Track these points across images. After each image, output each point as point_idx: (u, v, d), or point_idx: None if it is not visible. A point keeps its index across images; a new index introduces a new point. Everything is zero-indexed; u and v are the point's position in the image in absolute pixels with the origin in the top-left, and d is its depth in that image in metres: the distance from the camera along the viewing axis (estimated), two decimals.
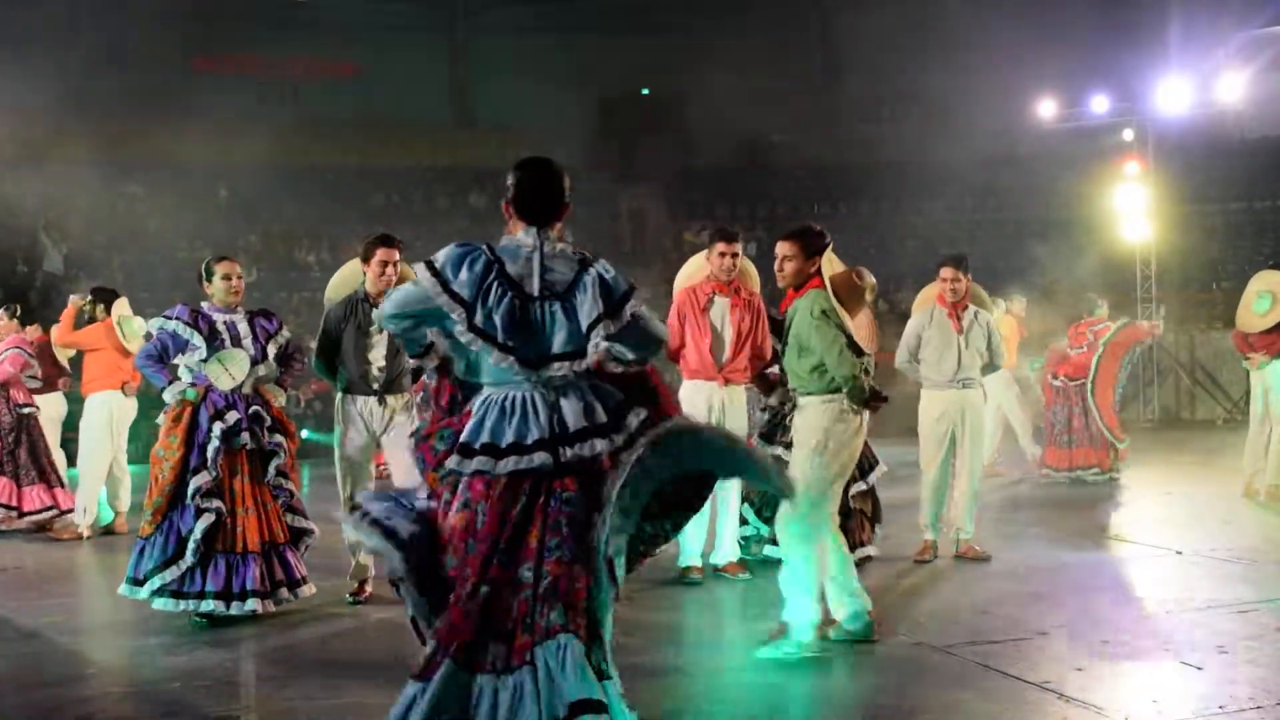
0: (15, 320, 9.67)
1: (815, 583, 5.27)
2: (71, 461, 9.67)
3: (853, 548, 6.11)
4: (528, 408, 3.40)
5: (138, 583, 5.87)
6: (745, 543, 7.06)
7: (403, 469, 5.80)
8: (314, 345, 6.56)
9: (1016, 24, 22.19)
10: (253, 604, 5.85)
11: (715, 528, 6.84)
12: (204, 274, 6.23)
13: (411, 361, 3.61)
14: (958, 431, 7.34)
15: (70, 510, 9.22)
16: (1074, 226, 21.22)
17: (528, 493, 3.34)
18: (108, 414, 8.90)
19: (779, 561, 5.57)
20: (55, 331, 9.63)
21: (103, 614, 6.48)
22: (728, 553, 6.91)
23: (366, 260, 6.39)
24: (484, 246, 3.48)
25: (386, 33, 26.38)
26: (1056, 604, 6.08)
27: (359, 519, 3.39)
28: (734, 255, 6.81)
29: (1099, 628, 5.59)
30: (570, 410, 3.40)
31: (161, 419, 6.09)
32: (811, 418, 5.35)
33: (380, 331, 6.21)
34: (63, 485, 9.40)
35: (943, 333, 7.41)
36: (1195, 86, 19.14)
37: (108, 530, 9.14)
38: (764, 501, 6.86)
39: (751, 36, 26.16)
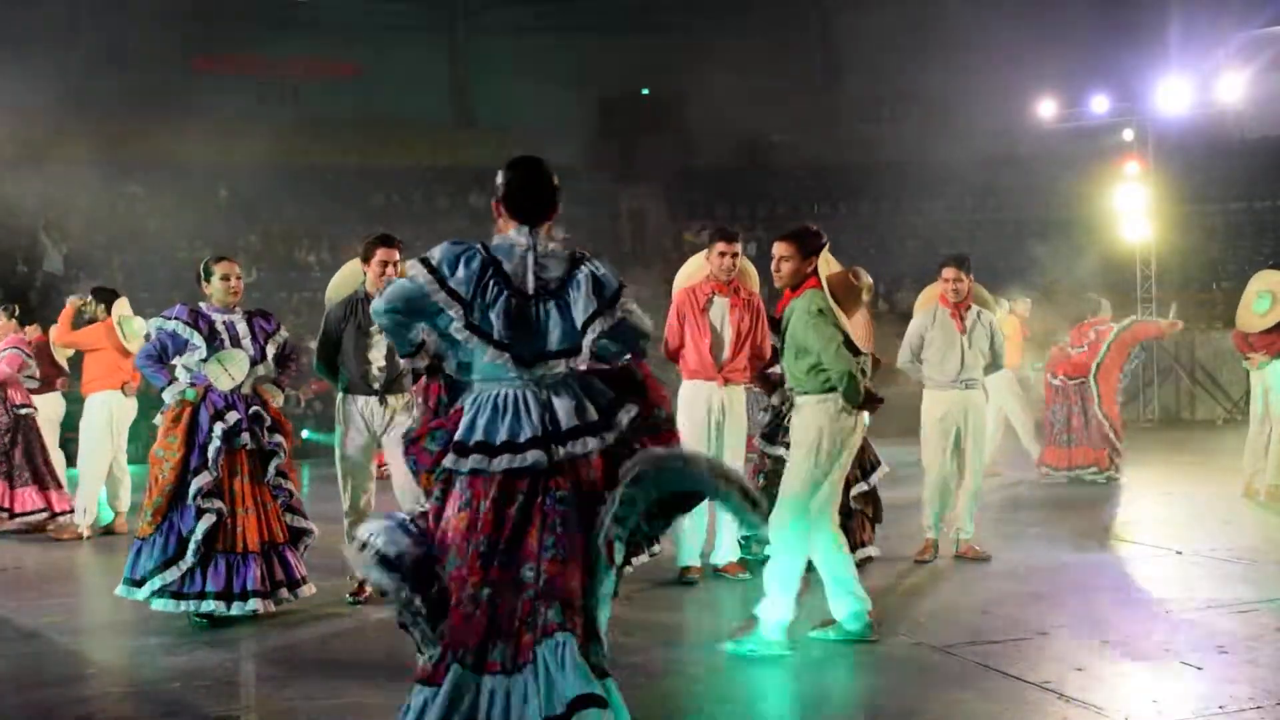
0: (14, 320, 9.66)
1: (797, 583, 5.28)
2: (71, 461, 9.66)
3: (853, 548, 6.11)
4: (520, 406, 3.41)
5: (135, 583, 5.87)
6: (745, 543, 7.06)
7: (403, 469, 5.80)
8: (315, 345, 6.57)
9: (1016, 24, 22.18)
10: (254, 604, 5.85)
11: (715, 528, 6.84)
12: (202, 274, 6.22)
13: (403, 361, 3.61)
14: (960, 431, 7.35)
15: (64, 512, 9.21)
16: (1074, 226, 21.22)
17: (525, 492, 3.34)
18: (108, 414, 8.89)
19: None
20: (54, 332, 9.63)
21: (103, 614, 6.47)
22: (728, 553, 6.91)
23: (367, 260, 6.39)
24: (479, 245, 3.49)
25: (386, 33, 26.37)
26: (1056, 604, 6.08)
27: (362, 554, 3.38)
28: (734, 255, 6.81)
29: (1099, 628, 5.59)
30: (562, 408, 3.41)
31: (159, 419, 6.08)
32: (808, 417, 5.36)
33: (381, 331, 6.20)
34: (59, 487, 9.37)
35: (946, 333, 7.41)
36: (1195, 86, 19.14)
37: (108, 530, 9.14)
38: (765, 501, 6.85)
39: (751, 36, 26.14)
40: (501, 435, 3.37)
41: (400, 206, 24.10)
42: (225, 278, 6.17)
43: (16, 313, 9.82)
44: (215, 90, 23.19)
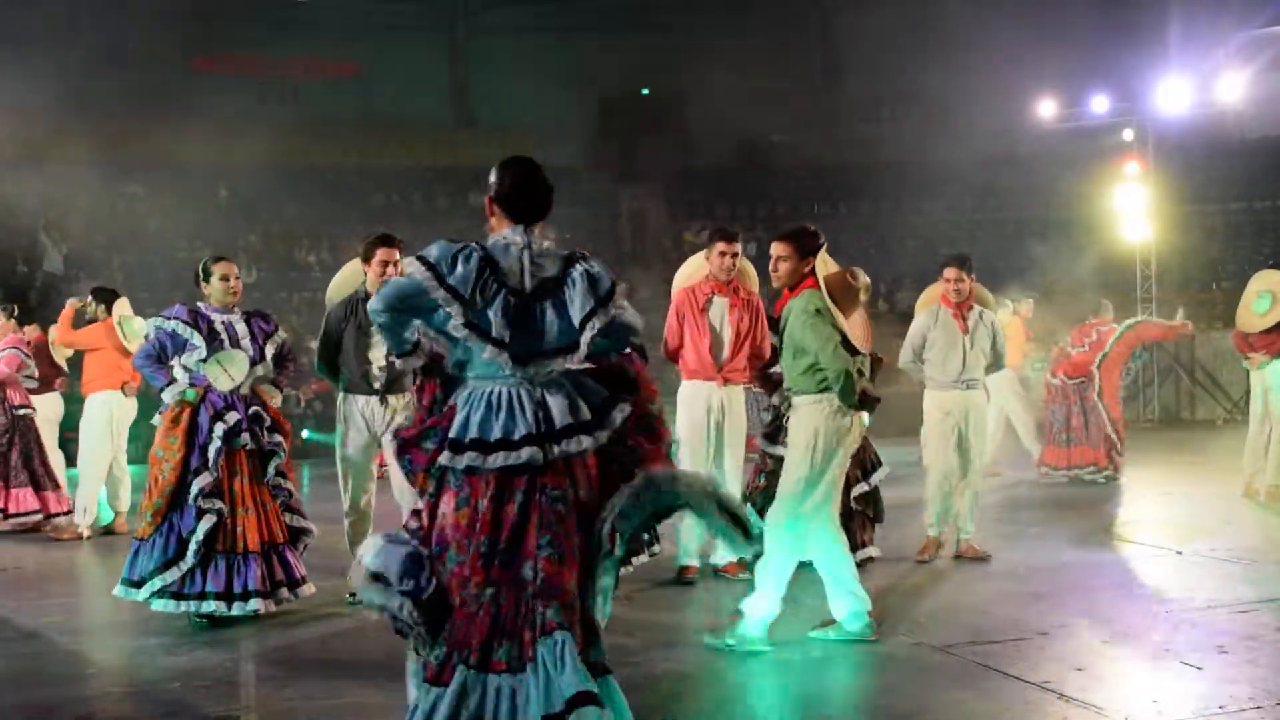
0: (13, 320, 9.66)
1: (786, 582, 5.30)
2: (71, 461, 9.66)
3: (854, 548, 6.10)
4: (514, 403, 3.42)
5: (134, 584, 5.86)
6: None
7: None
8: (315, 345, 6.56)
9: (1016, 24, 22.19)
10: (255, 604, 5.84)
11: None
12: (201, 274, 6.22)
13: (398, 361, 3.61)
14: (962, 431, 7.35)
15: (59, 514, 9.21)
16: (1074, 226, 21.23)
17: (524, 490, 3.36)
18: (108, 414, 8.89)
19: None
20: (54, 332, 9.63)
21: (103, 614, 6.47)
22: (727, 552, 6.90)
23: (367, 260, 6.39)
24: (474, 243, 3.50)
25: (386, 33, 26.37)
26: (1056, 604, 6.08)
27: (365, 581, 3.40)
28: (734, 255, 6.81)
29: (1099, 628, 5.59)
30: (556, 406, 3.43)
31: (157, 420, 6.08)
32: (805, 417, 5.37)
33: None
34: (56, 488, 9.36)
35: (948, 333, 7.42)
36: (1195, 86, 19.15)
37: (108, 530, 9.14)
38: (766, 501, 6.85)
39: (751, 36, 26.14)
40: (496, 433, 3.38)
41: (400, 206, 24.10)
42: (224, 278, 6.16)
43: (15, 313, 9.82)
44: (215, 90, 23.20)
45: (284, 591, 6.00)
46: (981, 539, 7.51)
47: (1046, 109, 20.56)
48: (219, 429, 5.91)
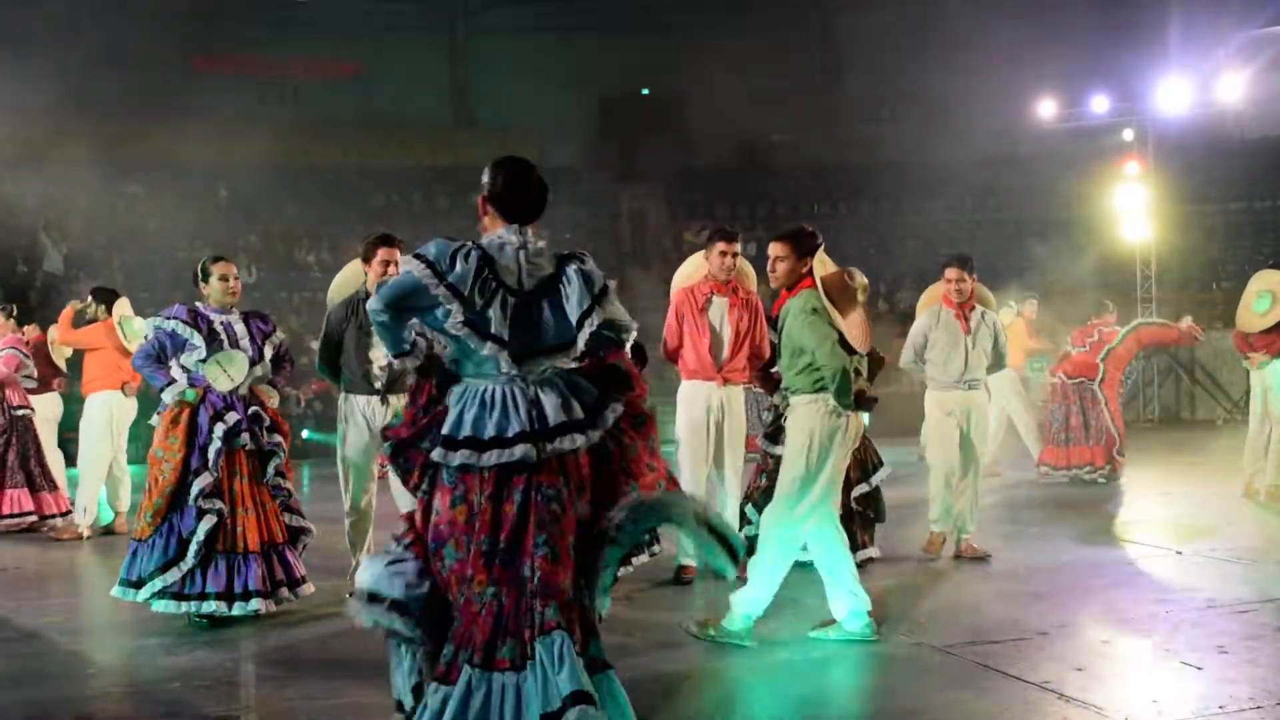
0: (12, 320, 9.66)
1: (778, 582, 5.32)
2: (71, 461, 9.66)
3: (854, 549, 6.10)
4: (508, 401, 3.44)
5: (133, 584, 5.85)
6: (747, 543, 7.04)
7: None
8: (316, 345, 6.57)
9: (1016, 24, 22.19)
10: (256, 604, 5.84)
11: None
12: (200, 274, 6.21)
13: (395, 361, 3.62)
14: (964, 431, 7.36)
15: (54, 515, 9.21)
16: (1074, 226, 21.23)
17: (521, 489, 3.38)
18: (108, 414, 8.89)
19: None
20: (53, 331, 9.62)
21: (103, 614, 6.47)
22: None
23: (368, 260, 6.39)
24: (472, 243, 3.52)
25: (386, 33, 26.37)
26: (1056, 604, 6.08)
27: (363, 602, 3.44)
28: (734, 255, 6.81)
29: (1099, 628, 5.60)
30: (550, 404, 3.45)
31: (156, 420, 6.08)
32: (801, 417, 5.37)
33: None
34: (53, 489, 9.36)
35: (950, 333, 7.42)
36: (1195, 86, 19.15)
37: (108, 530, 9.14)
38: (767, 501, 6.85)
39: (751, 36, 26.14)
40: (490, 431, 3.41)
41: (400, 206, 24.10)
42: (223, 278, 6.16)
43: (14, 313, 9.82)
44: (215, 90, 23.20)
45: (284, 591, 6.00)
46: (981, 539, 7.51)
47: (1046, 109, 20.56)
48: (219, 429, 5.91)
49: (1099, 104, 19.90)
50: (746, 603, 5.25)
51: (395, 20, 26.83)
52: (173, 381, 6.04)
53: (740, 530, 6.76)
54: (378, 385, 6.34)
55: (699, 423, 6.74)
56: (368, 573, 3.47)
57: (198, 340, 5.99)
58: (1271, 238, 23.82)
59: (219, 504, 5.85)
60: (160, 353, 6.07)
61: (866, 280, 5.70)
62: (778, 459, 6.67)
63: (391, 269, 6.28)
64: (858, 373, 5.42)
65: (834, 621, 5.35)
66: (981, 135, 22.66)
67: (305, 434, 15.37)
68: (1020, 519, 9.13)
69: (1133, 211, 19.09)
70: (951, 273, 7.44)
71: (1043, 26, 23.16)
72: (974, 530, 7.42)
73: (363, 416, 6.36)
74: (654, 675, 4.83)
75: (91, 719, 4.52)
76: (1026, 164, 23.98)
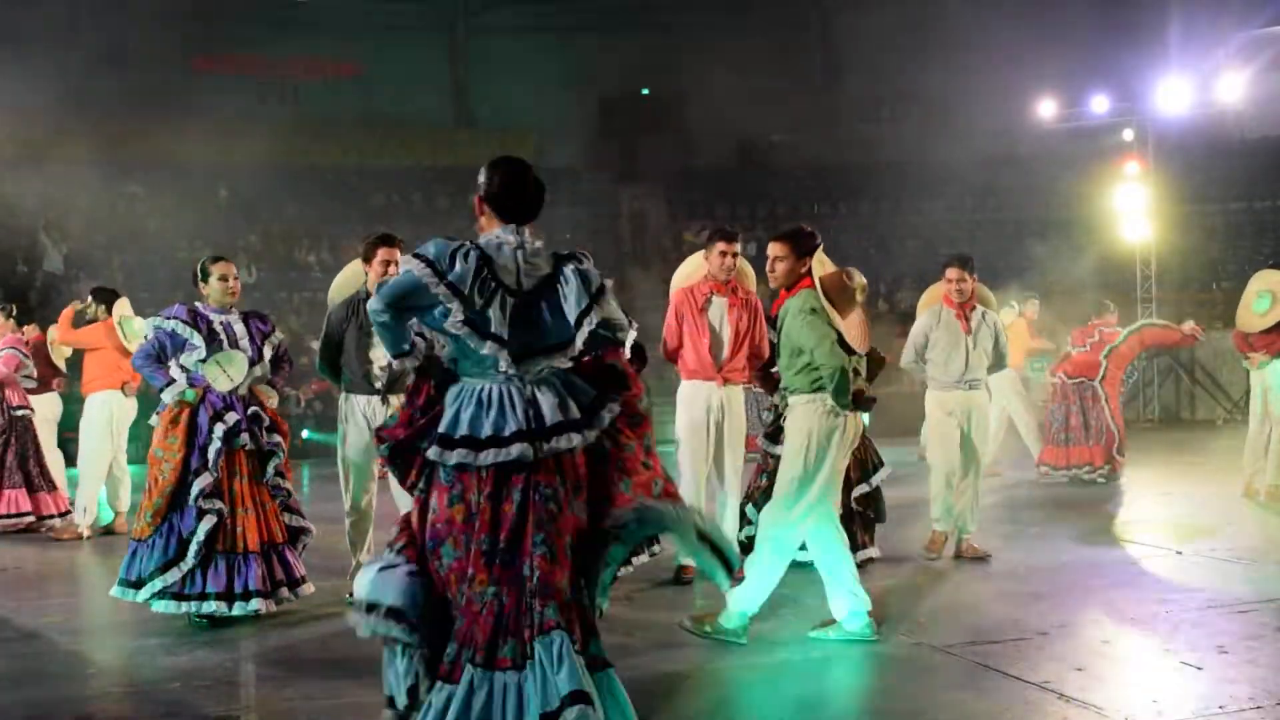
0: (11, 320, 9.66)
1: (774, 581, 5.33)
2: (71, 461, 9.66)
3: (854, 549, 6.10)
4: (504, 401, 3.45)
5: (132, 585, 5.85)
6: (747, 543, 7.05)
7: None
8: (317, 345, 6.57)
9: (1016, 24, 22.18)
10: (256, 604, 5.84)
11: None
12: (199, 274, 6.21)
13: (395, 362, 3.63)
14: (964, 430, 7.36)
15: (51, 515, 9.21)
16: (1074, 226, 21.23)
17: (520, 489, 3.39)
18: (108, 414, 8.89)
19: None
20: (52, 331, 9.62)
21: (102, 614, 6.47)
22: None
23: (368, 260, 6.39)
24: (470, 242, 3.53)
25: (386, 33, 26.37)
26: (1056, 604, 6.08)
27: (360, 612, 3.46)
28: (734, 255, 6.81)
29: (1099, 628, 5.60)
30: (546, 404, 3.47)
31: (154, 420, 6.08)
32: (799, 418, 5.38)
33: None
34: (52, 490, 9.35)
35: (951, 333, 7.42)
36: (1195, 86, 19.15)
37: (108, 530, 9.14)
38: (767, 500, 6.85)
39: (751, 36, 26.13)
40: (487, 430, 3.42)
41: (400, 206, 24.09)
42: (223, 278, 6.16)
43: (14, 313, 9.82)
44: (215, 90, 23.19)
45: (284, 591, 6.00)
46: (981, 539, 7.51)
47: (1046, 109, 20.56)
48: (219, 429, 5.91)
49: (1099, 104, 19.90)
50: (742, 600, 5.26)
51: (395, 20, 26.83)
52: (172, 381, 6.04)
53: (741, 530, 6.80)
54: (378, 385, 6.34)
55: (699, 423, 6.74)
56: (363, 581, 3.49)
57: (197, 340, 5.99)
58: (1271, 238, 23.82)
59: (219, 504, 5.85)
60: (160, 352, 6.07)
61: (865, 280, 5.69)
62: (778, 459, 6.66)
63: (392, 269, 6.28)
64: (856, 373, 5.42)
65: (834, 621, 5.35)
66: (981, 135, 22.66)
67: (305, 434, 15.37)
68: (1020, 519, 9.13)
69: (1133, 211, 19.09)
70: (952, 273, 7.44)
71: (1043, 26, 23.15)
72: (974, 530, 7.43)
73: (363, 416, 6.36)
74: (654, 675, 4.83)
75: (91, 719, 4.52)
76: (1026, 164, 23.98)
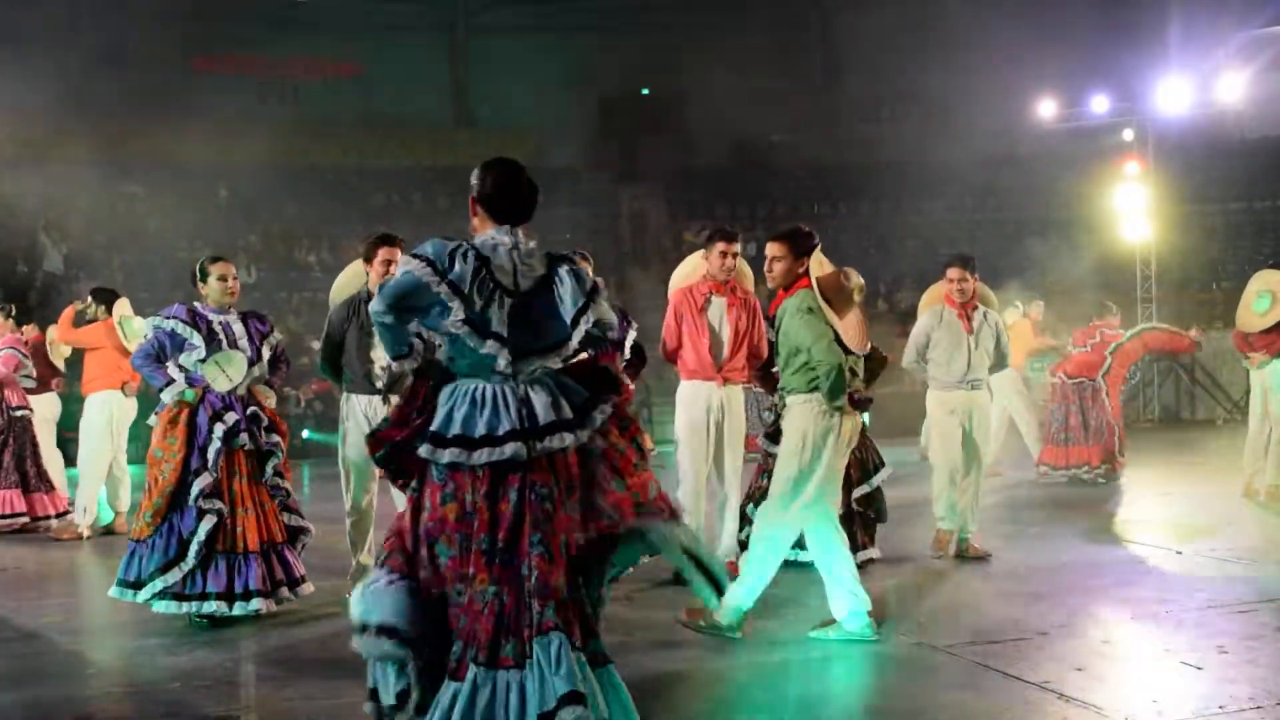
0: (10, 320, 9.66)
1: (768, 578, 5.35)
2: (71, 461, 9.66)
3: (854, 549, 6.10)
4: (498, 400, 3.47)
5: (131, 585, 5.85)
6: (746, 542, 7.05)
7: None
8: (317, 345, 6.57)
9: (1016, 24, 22.18)
10: (257, 603, 5.84)
11: (716, 527, 6.83)
12: (198, 274, 6.21)
13: (394, 364, 3.63)
14: (966, 430, 7.36)
15: (46, 516, 9.21)
16: (1074, 226, 21.22)
17: (517, 489, 3.40)
18: (108, 414, 8.89)
19: (787, 562, 5.61)
20: (52, 331, 9.62)
21: (102, 614, 6.46)
22: (727, 552, 6.90)
23: (369, 260, 6.39)
24: (467, 243, 3.55)
25: (386, 33, 26.37)
26: (1056, 604, 6.08)
27: (357, 634, 3.47)
28: (734, 255, 6.81)
29: (1099, 628, 5.60)
30: (540, 404, 3.48)
31: (153, 420, 6.07)
32: (795, 417, 5.39)
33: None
34: (50, 490, 9.35)
35: (952, 333, 7.42)
36: (1195, 86, 19.16)
37: (108, 530, 9.14)
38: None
39: (751, 36, 26.12)
40: (480, 429, 3.43)
41: (400, 206, 24.09)
42: (222, 278, 6.16)
43: (13, 313, 9.82)
44: (215, 90, 23.18)
45: (284, 591, 6.00)
46: (981, 539, 7.51)
47: (1046, 109, 20.57)
48: (218, 429, 5.91)
49: (1099, 104, 19.91)
50: (736, 596, 5.26)
51: (395, 20, 26.82)
52: (171, 381, 6.04)
53: (741, 530, 6.80)
54: (379, 385, 6.33)
55: (699, 423, 6.74)
56: (354, 601, 3.52)
57: (197, 340, 5.99)
58: (1271, 238, 23.81)
59: (219, 504, 5.85)
60: (160, 352, 6.07)
61: (863, 281, 5.70)
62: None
63: (393, 269, 6.27)
64: (853, 373, 5.43)
65: (834, 621, 5.35)
66: (981, 135, 22.65)
67: (305, 434, 15.34)
68: (1020, 519, 9.13)
69: (1133, 211, 19.10)
70: (954, 273, 7.44)
71: (1043, 26, 23.15)
72: (975, 530, 7.43)
73: (364, 416, 6.35)
74: (654, 675, 4.83)
75: (91, 719, 4.52)
76: (1026, 164, 23.97)
